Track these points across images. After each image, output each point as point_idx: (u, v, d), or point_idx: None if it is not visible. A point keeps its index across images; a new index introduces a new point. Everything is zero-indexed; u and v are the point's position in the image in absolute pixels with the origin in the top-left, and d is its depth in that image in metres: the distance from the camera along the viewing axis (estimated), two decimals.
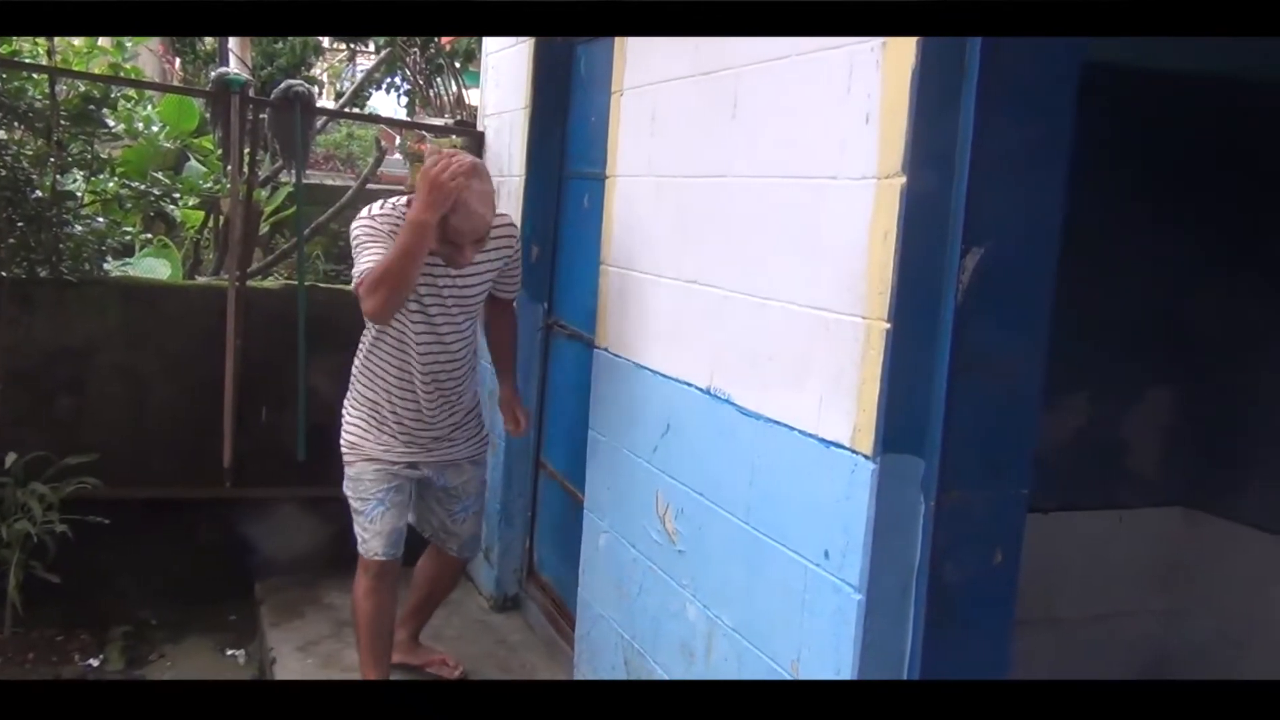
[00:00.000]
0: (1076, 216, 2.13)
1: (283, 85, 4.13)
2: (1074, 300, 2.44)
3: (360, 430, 3.00)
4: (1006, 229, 1.85)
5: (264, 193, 5.67)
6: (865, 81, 1.89)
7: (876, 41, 1.86)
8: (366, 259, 2.72)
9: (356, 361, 3.03)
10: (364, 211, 2.85)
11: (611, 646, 2.84)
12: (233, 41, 9.62)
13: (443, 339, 2.92)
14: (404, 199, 2.86)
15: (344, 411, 3.06)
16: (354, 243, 2.79)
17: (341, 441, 3.03)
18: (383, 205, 2.85)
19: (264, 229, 6.16)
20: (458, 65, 9.02)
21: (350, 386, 3.05)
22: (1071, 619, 3.26)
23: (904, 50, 1.80)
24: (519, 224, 3.84)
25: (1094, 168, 2.84)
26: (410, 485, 3.05)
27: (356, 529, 3.00)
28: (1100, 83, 2.14)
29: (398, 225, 2.75)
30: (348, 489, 3.02)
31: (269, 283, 4.59)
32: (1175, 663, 3.40)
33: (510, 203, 3.86)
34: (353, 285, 2.74)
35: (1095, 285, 3.08)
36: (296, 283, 4.14)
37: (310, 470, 3.97)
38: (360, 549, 3.01)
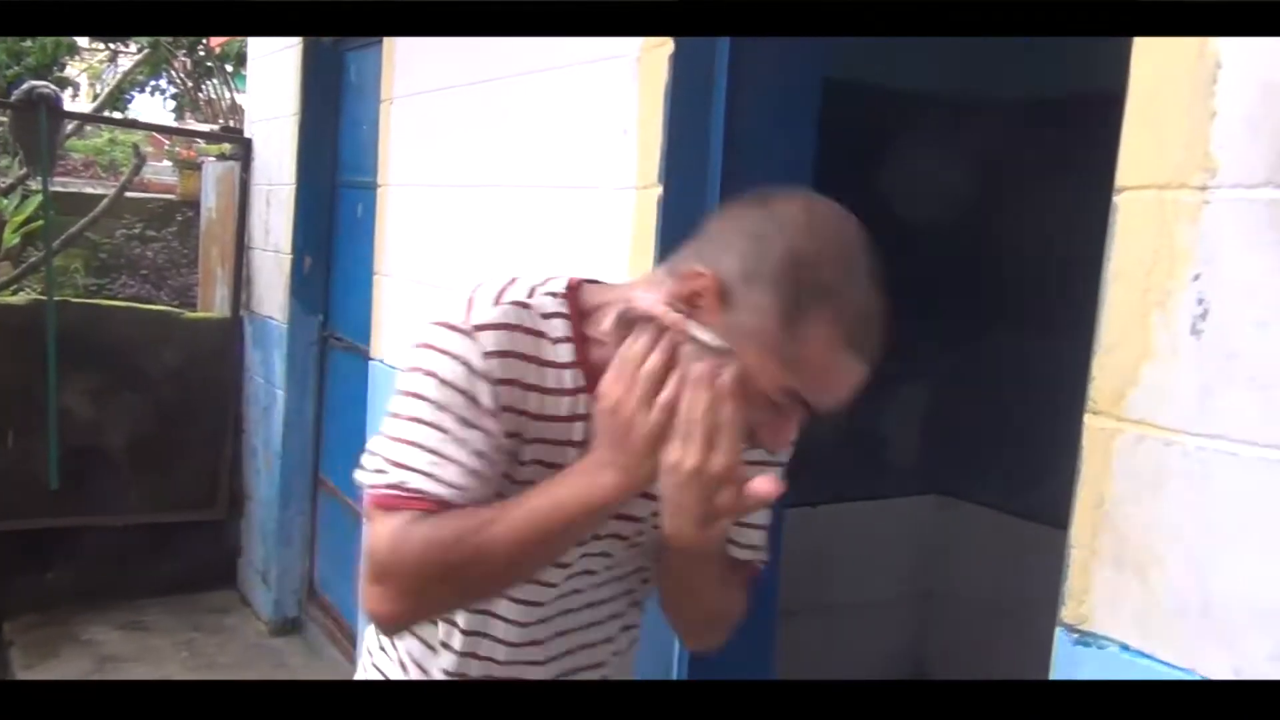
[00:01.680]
0: None
1: (25, 86, 3.86)
2: None
3: None
4: None
5: (8, 201, 5.26)
6: (622, 95, 1.95)
7: (632, 56, 1.92)
8: (418, 458, 1.06)
9: None
10: (450, 317, 1.16)
11: None
12: None
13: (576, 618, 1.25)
14: (558, 286, 1.15)
15: None
16: (404, 389, 1.11)
17: None
18: (489, 305, 1.15)
19: (13, 240, 5.71)
20: (229, 69, 8.64)
21: None
22: (841, 605, 3.44)
23: (658, 65, 1.86)
24: (289, 235, 3.71)
25: (841, 174, 3.01)
26: None
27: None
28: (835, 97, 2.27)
29: (509, 375, 1.10)
30: None
31: (17, 298, 4.25)
32: (934, 643, 3.64)
33: (281, 212, 3.73)
34: (371, 499, 1.07)
35: None
36: (46, 297, 3.86)
37: (63, 499, 3.70)
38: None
